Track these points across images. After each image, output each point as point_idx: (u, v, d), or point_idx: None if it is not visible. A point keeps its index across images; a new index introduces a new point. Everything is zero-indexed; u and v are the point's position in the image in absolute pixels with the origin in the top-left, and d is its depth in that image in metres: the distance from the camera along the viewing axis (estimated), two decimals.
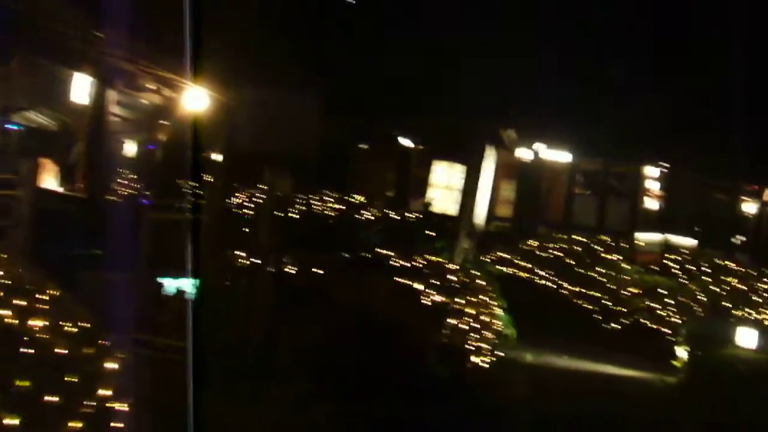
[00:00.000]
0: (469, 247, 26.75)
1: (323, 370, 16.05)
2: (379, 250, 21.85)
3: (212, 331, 13.78)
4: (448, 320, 19.06)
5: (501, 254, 28.47)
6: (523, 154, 34.88)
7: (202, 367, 9.82)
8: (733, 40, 30.79)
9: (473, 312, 19.47)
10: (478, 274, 22.13)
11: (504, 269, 27.72)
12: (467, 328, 19.06)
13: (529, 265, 28.02)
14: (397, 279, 19.68)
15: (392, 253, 21.42)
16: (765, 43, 30.25)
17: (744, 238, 34.89)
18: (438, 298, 19.43)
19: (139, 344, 14.54)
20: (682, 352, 21.89)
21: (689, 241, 31.44)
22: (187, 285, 16.34)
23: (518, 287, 25.95)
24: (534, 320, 22.78)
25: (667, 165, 34.05)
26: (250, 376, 15.68)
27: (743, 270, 28.05)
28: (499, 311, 20.88)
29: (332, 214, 25.78)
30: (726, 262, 28.56)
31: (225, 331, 15.83)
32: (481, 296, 20.28)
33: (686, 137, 31.10)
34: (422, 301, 19.26)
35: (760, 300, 26.57)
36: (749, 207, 35.40)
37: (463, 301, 19.62)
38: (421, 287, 19.57)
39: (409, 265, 20.78)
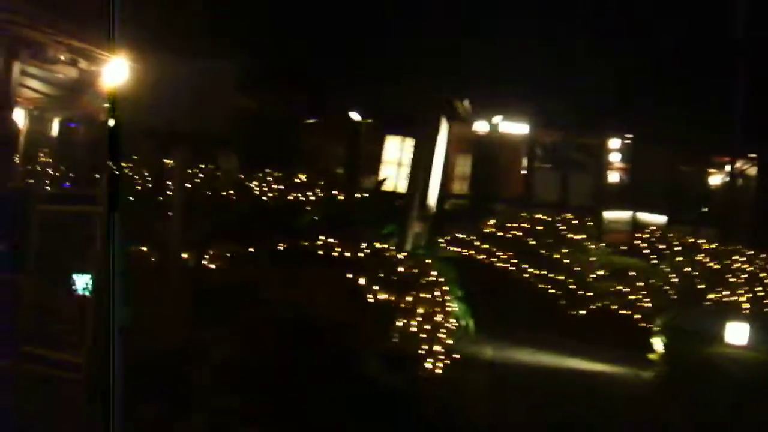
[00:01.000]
0: (422, 230, 24.72)
1: (249, 387, 13.95)
2: (320, 238, 19.52)
3: (118, 343, 11.80)
4: (397, 321, 16.84)
5: (457, 236, 26.48)
6: (479, 126, 33.06)
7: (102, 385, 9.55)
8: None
9: (426, 310, 17.31)
10: (431, 262, 19.96)
11: (460, 252, 25.68)
12: (419, 329, 16.90)
13: (488, 247, 25.98)
14: (338, 274, 17.44)
15: (335, 241, 19.21)
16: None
17: (714, 213, 33.43)
18: (386, 295, 17.20)
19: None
20: (658, 343, 20.06)
21: (659, 218, 29.76)
22: (91, 288, 14.36)
23: (476, 272, 23.98)
24: (494, 308, 21.15)
25: (633, 136, 32.32)
26: (164, 396, 13.56)
27: (718, 248, 26.37)
28: (454, 304, 18.86)
29: (269, 198, 23.56)
30: (699, 240, 26.95)
31: (134, 342, 13.57)
32: (434, 290, 18.10)
33: (653, 107, 29.41)
34: (368, 299, 17.04)
35: (737, 280, 24.79)
36: (720, 180, 33.99)
37: (414, 298, 17.42)
38: (367, 283, 17.33)
39: (353, 255, 18.64)
